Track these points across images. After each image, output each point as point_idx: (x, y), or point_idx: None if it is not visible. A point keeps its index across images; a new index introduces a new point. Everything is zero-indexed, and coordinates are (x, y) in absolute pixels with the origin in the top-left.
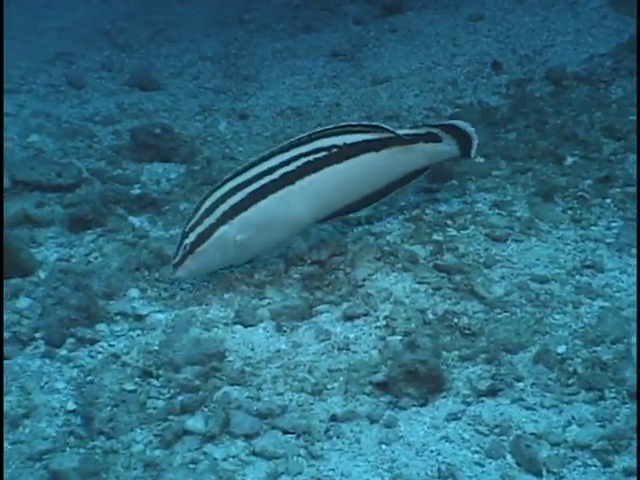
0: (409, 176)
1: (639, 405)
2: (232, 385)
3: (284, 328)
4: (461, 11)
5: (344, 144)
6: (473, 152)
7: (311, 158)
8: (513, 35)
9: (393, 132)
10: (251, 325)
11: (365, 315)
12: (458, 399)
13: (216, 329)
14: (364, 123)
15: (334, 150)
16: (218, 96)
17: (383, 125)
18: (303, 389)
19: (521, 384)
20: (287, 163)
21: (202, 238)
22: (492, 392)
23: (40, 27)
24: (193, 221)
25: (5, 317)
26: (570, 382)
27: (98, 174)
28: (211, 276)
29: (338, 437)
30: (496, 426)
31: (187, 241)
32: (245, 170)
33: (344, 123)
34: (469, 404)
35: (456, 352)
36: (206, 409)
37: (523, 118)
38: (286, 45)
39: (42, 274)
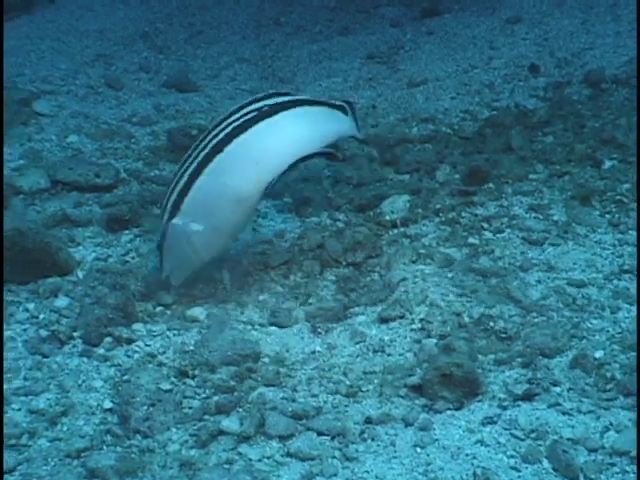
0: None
1: (639, 408)
2: (267, 386)
3: (319, 330)
4: (498, 14)
5: (270, 105)
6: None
7: (238, 122)
8: (551, 38)
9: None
10: (286, 326)
11: (400, 317)
12: (494, 403)
13: (251, 330)
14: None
15: (261, 111)
16: None
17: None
18: (338, 391)
19: (558, 389)
20: (217, 134)
21: (163, 236)
22: (528, 396)
23: (80, 29)
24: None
25: (44, 316)
26: (608, 387)
27: (135, 175)
28: (246, 277)
29: (373, 439)
30: (532, 431)
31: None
32: (190, 153)
33: (271, 91)
34: (505, 408)
35: (492, 356)
36: (241, 409)
37: (561, 121)
38: (322, 47)
39: (80, 273)
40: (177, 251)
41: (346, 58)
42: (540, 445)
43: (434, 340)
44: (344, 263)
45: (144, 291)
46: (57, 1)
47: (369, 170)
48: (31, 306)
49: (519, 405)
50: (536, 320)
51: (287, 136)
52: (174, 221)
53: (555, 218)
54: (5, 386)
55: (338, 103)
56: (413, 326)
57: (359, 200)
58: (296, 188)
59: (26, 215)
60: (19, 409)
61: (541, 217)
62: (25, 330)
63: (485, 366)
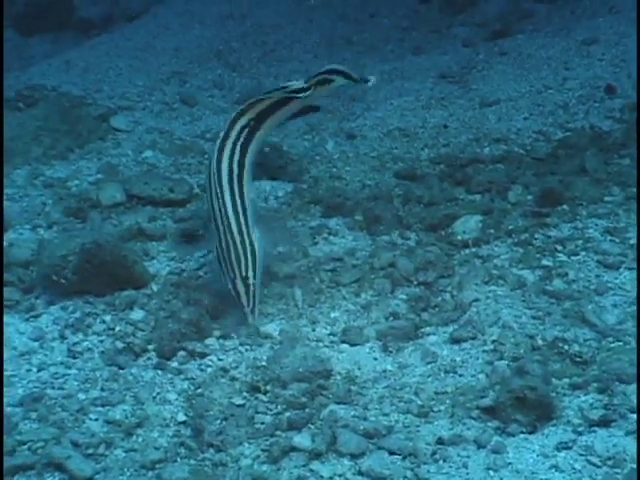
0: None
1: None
2: (338, 404)
3: (390, 348)
4: (574, 35)
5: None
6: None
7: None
8: (629, 59)
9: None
10: (357, 344)
11: (472, 338)
12: (569, 428)
13: (323, 347)
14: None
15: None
16: (326, 116)
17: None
18: (409, 410)
19: (635, 416)
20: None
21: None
22: (604, 422)
23: (157, 47)
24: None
25: (120, 328)
26: None
27: None
28: (317, 294)
29: (445, 460)
30: (609, 458)
31: (251, 282)
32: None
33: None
34: (580, 434)
35: (566, 380)
36: (312, 426)
37: (637, 143)
38: (394, 66)
39: (155, 287)
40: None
41: (418, 77)
42: (617, 473)
43: (506, 362)
44: (415, 282)
45: (217, 306)
46: (136, 20)
47: (440, 189)
48: (107, 318)
49: (595, 431)
50: (612, 345)
51: None
52: (257, 236)
53: (632, 242)
54: (83, 396)
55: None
56: (485, 347)
57: (430, 219)
58: (367, 206)
59: (103, 228)
60: (96, 419)
61: (617, 240)
62: (102, 341)
63: (559, 390)
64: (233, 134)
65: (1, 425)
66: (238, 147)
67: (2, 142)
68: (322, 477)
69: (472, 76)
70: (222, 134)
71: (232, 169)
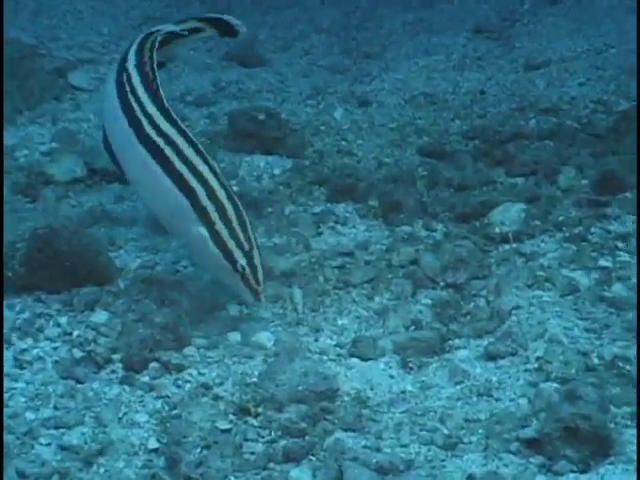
0: None
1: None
2: (346, 431)
3: (411, 365)
4: None
5: None
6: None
7: None
8: None
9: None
10: (370, 359)
11: (512, 355)
12: (629, 467)
13: (327, 361)
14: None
15: None
16: (334, 76)
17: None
18: (433, 441)
19: None
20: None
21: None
22: None
23: None
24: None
25: (79, 332)
26: None
27: None
28: (321, 297)
29: None
30: None
31: (257, 261)
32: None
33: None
34: None
35: (627, 408)
36: (314, 458)
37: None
38: (420, 17)
39: (122, 283)
40: None
41: (449, 31)
42: None
43: (554, 385)
44: (442, 284)
45: (199, 308)
46: None
47: (474, 170)
48: (63, 320)
49: None
50: None
51: None
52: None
53: None
54: (32, 416)
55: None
56: (528, 366)
57: (461, 207)
58: (384, 189)
59: (59, 210)
60: (48, 444)
61: None
62: (56, 349)
63: (619, 420)
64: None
65: (1, 425)
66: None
67: (2, 142)
68: None
69: (515, 31)
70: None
71: None
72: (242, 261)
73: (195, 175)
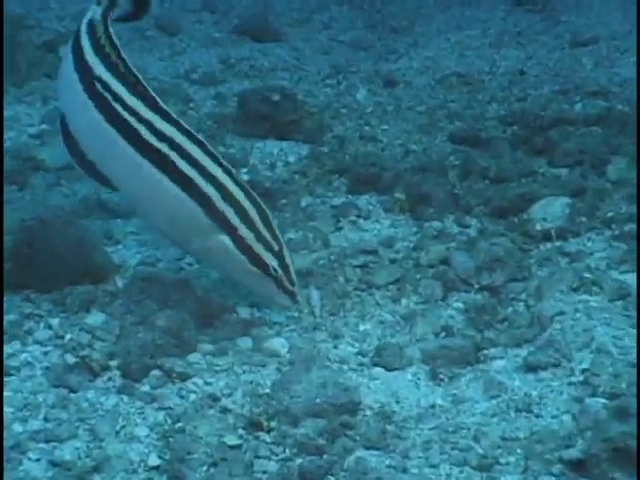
0: None
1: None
2: (368, 449)
3: (441, 376)
4: None
5: None
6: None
7: None
8: None
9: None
10: (396, 369)
11: (554, 366)
12: None
13: (348, 371)
14: None
15: None
16: (357, 54)
17: None
18: (466, 461)
19: None
20: None
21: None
22: None
23: None
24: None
25: (72, 336)
26: None
27: None
28: (341, 299)
29: None
30: None
31: (289, 260)
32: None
33: None
34: None
35: None
36: (333, 479)
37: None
38: None
39: (120, 282)
40: None
41: (485, 3)
42: None
43: (602, 400)
44: (476, 286)
45: (205, 310)
46: None
47: (512, 160)
48: (55, 322)
49: None
50: None
51: None
52: None
53: None
54: (20, 428)
55: None
56: (572, 379)
57: (498, 201)
58: (411, 180)
59: (50, 199)
60: (38, 459)
61: None
62: (46, 354)
63: None
64: None
65: (1, 425)
66: None
67: (2, 143)
68: None
69: (561, 2)
70: None
71: None
72: (274, 263)
73: (206, 177)
